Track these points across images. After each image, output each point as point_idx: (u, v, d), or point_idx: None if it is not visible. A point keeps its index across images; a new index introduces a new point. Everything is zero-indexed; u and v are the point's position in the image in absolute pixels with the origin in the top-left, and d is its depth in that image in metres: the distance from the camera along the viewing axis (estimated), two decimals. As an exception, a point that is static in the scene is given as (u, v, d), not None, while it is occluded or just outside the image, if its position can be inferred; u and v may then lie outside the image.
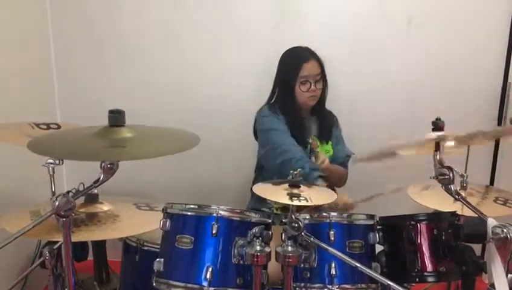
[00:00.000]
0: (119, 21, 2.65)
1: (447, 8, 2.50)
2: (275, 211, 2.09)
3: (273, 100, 2.23)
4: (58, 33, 2.67)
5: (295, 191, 1.46)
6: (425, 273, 1.48)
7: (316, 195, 1.49)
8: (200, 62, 2.65)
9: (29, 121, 1.91)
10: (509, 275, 1.20)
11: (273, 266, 1.40)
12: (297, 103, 2.15)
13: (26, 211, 1.75)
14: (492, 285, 1.20)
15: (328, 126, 2.27)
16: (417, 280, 1.50)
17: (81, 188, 1.39)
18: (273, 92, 2.24)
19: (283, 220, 1.38)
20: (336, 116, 2.34)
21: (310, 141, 2.19)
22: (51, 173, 1.78)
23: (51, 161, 1.75)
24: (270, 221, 1.47)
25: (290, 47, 2.22)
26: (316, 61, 2.14)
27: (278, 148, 2.05)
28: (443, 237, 1.47)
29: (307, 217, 1.46)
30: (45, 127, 1.91)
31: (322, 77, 2.16)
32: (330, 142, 2.26)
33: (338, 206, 1.81)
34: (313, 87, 2.11)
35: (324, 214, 1.49)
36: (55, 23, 2.66)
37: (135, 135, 1.38)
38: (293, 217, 1.35)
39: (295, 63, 2.13)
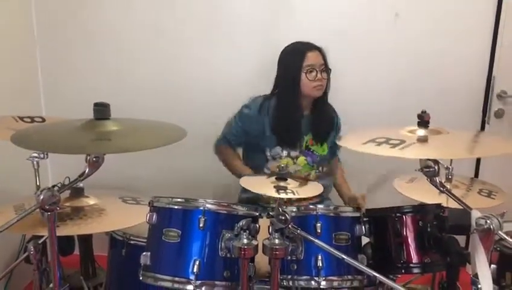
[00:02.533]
0: (106, 14, 2.61)
1: (433, 1, 2.51)
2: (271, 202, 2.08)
3: (274, 94, 2.17)
4: (43, 25, 2.63)
5: (282, 184, 1.46)
6: (411, 265, 1.49)
7: (303, 188, 1.50)
8: (189, 57, 2.63)
9: (13, 114, 1.89)
10: (492, 266, 1.22)
11: (261, 259, 1.40)
12: (300, 97, 2.09)
13: (10, 205, 1.72)
14: (476, 275, 1.21)
15: (325, 129, 2.22)
16: (403, 271, 1.51)
17: (66, 182, 1.38)
18: (275, 88, 2.18)
19: (270, 213, 1.39)
20: (337, 117, 2.29)
21: (306, 138, 2.18)
22: (36, 167, 1.76)
23: (35, 154, 1.73)
24: (257, 214, 1.48)
25: (282, 43, 2.18)
26: (319, 52, 2.09)
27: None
28: (428, 229, 1.48)
29: (294, 210, 1.47)
30: (29, 120, 1.89)
31: (326, 67, 2.10)
32: (325, 144, 2.23)
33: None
34: (319, 76, 2.05)
35: (311, 206, 1.50)
36: (40, 15, 2.62)
37: (121, 128, 1.37)
38: (280, 209, 1.36)
39: (299, 52, 2.07)
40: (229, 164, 2.24)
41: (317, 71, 2.05)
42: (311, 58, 2.06)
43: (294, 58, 2.08)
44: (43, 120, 1.92)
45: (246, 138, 2.19)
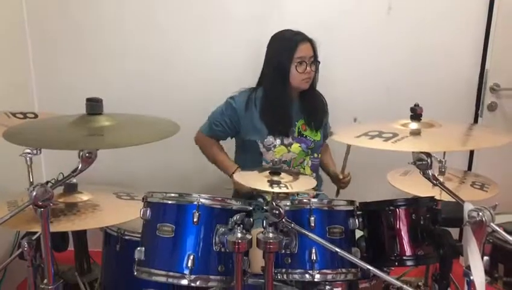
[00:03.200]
0: (98, 8, 2.60)
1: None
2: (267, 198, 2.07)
3: (260, 84, 2.15)
4: (35, 20, 2.61)
5: (276, 178, 1.46)
6: (404, 258, 1.49)
7: (296, 182, 1.50)
8: (181, 51, 2.63)
9: (6, 110, 1.88)
10: (485, 257, 1.23)
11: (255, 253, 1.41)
12: (289, 87, 2.06)
13: (3, 202, 1.72)
14: (469, 267, 1.22)
15: (319, 116, 2.19)
16: (396, 264, 1.52)
17: (60, 178, 1.38)
18: (262, 76, 2.16)
19: (264, 207, 1.39)
20: (326, 103, 2.26)
21: (298, 124, 2.14)
22: (29, 163, 1.76)
23: (28, 150, 1.72)
24: (251, 208, 1.48)
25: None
26: (309, 43, 2.06)
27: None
28: (421, 222, 1.49)
29: (288, 204, 1.47)
30: (22, 116, 1.88)
31: (315, 59, 2.08)
32: (319, 132, 2.21)
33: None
34: (308, 68, 2.02)
35: (305, 200, 1.51)
36: (32, 10, 2.60)
37: (113, 123, 1.37)
38: (274, 203, 1.36)
39: (290, 43, 2.03)
40: (208, 151, 2.23)
41: (306, 64, 2.02)
42: (302, 50, 2.02)
43: (285, 48, 2.04)
44: (36, 116, 1.91)
45: (234, 134, 2.18)
